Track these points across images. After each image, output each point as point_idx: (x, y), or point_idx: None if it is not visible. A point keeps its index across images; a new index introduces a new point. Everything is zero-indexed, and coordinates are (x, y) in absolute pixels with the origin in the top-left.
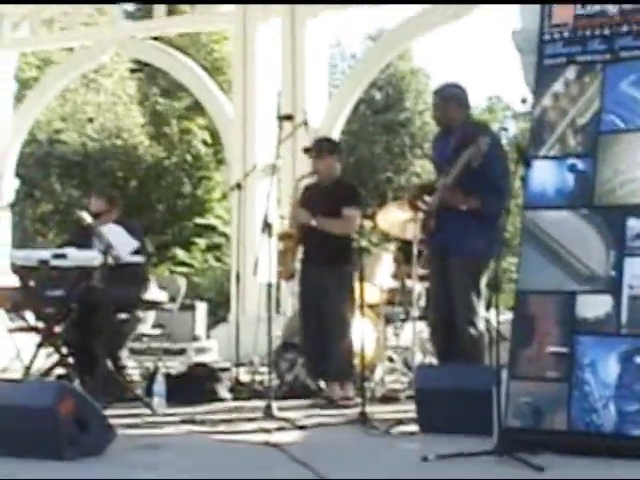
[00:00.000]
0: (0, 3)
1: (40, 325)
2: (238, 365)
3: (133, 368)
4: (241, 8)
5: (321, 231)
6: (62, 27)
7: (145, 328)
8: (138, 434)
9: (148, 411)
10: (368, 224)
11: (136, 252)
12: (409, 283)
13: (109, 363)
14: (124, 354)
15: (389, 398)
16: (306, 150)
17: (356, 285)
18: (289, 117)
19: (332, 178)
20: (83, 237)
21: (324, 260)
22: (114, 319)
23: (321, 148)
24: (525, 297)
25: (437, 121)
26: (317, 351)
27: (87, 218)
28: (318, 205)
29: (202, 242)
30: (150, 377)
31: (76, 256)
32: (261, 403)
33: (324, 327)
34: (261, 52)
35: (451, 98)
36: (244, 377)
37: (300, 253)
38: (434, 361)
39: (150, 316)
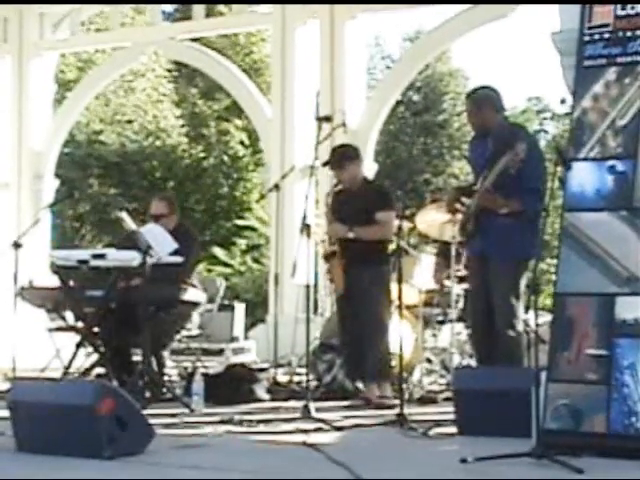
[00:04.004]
0: (42, 3)
1: (79, 325)
2: (276, 366)
3: (172, 368)
4: (279, 9)
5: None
6: (101, 28)
7: (191, 329)
8: (176, 434)
9: (187, 411)
10: (407, 225)
11: (176, 252)
12: (447, 284)
13: (153, 362)
14: (166, 354)
15: (427, 399)
16: (325, 164)
17: (394, 286)
18: (328, 118)
19: (358, 183)
20: (129, 242)
21: (361, 261)
22: (156, 319)
23: (340, 158)
24: (564, 299)
25: (472, 125)
26: (355, 352)
27: (126, 218)
28: (349, 210)
29: (241, 243)
30: (189, 377)
31: (115, 256)
32: (299, 404)
33: (362, 328)
34: (299, 53)
35: (485, 102)
36: (282, 378)
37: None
38: (472, 363)
39: (195, 317)
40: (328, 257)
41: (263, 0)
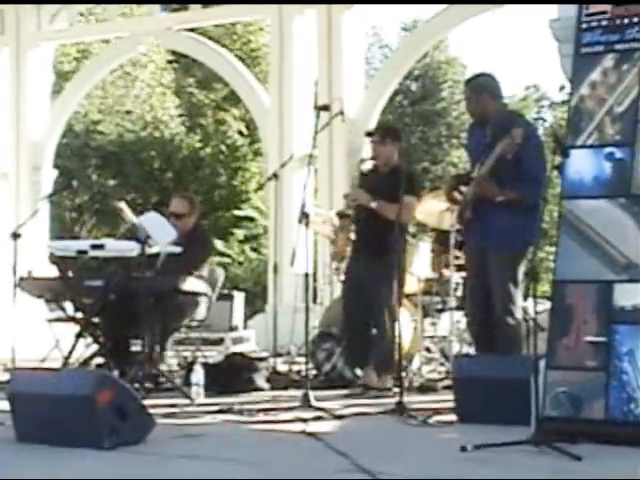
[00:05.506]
0: (40, 3)
1: (79, 315)
2: (275, 355)
3: (171, 358)
4: None
5: (373, 218)
6: (99, 19)
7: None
8: (176, 423)
9: (186, 400)
10: None
11: (186, 248)
12: (446, 273)
13: (154, 352)
14: (168, 344)
15: (426, 388)
16: (369, 134)
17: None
18: (326, 107)
19: (390, 165)
20: (130, 234)
21: (372, 249)
22: (158, 309)
23: (385, 134)
24: (563, 287)
25: (471, 113)
26: (357, 337)
27: (125, 209)
28: (375, 190)
29: (239, 233)
30: (188, 367)
31: (114, 246)
32: (298, 393)
33: (367, 315)
34: (297, 42)
35: (483, 89)
36: (281, 367)
37: (352, 236)
38: (471, 351)
39: (202, 307)
40: (341, 216)
41: (261, 0)
